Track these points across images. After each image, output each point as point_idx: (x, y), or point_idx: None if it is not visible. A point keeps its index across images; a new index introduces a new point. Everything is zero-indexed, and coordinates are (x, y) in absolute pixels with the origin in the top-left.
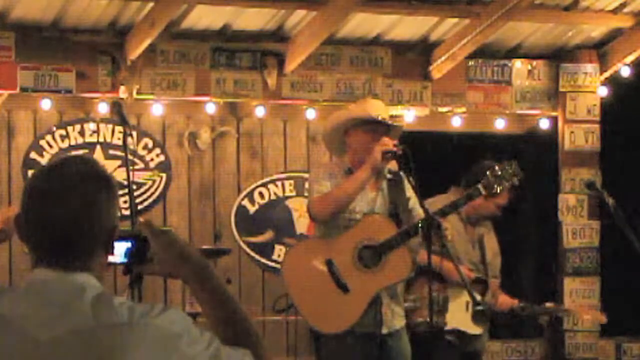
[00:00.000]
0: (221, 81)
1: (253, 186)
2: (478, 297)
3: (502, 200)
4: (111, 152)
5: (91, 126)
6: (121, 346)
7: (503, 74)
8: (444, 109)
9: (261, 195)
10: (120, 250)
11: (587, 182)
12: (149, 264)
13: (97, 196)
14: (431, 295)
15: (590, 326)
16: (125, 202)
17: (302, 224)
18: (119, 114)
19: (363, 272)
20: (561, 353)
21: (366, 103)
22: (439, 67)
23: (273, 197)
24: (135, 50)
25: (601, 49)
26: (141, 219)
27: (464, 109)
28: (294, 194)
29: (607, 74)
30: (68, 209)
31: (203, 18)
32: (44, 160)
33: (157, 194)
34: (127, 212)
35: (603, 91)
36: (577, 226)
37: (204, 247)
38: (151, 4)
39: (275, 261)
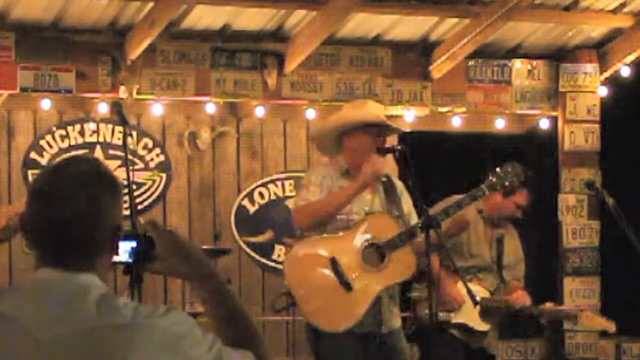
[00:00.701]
0: (221, 81)
1: (253, 186)
2: (486, 294)
3: (521, 200)
4: (111, 152)
5: (91, 126)
6: (125, 346)
7: (503, 74)
8: (444, 109)
9: (261, 195)
10: (125, 249)
11: (587, 182)
12: (154, 263)
13: (102, 196)
14: (431, 291)
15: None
16: (125, 202)
17: None
18: (119, 114)
19: (367, 271)
20: (561, 353)
21: (364, 105)
22: (439, 67)
23: (273, 197)
24: (135, 50)
25: (601, 49)
26: (141, 219)
27: (464, 109)
28: (294, 194)
29: (607, 74)
30: (73, 209)
31: (203, 18)
32: (44, 160)
33: (157, 194)
34: (127, 212)
35: (603, 91)
36: (577, 226)
37: (204, 247)
38: (151, 4)
39: (275, 261)
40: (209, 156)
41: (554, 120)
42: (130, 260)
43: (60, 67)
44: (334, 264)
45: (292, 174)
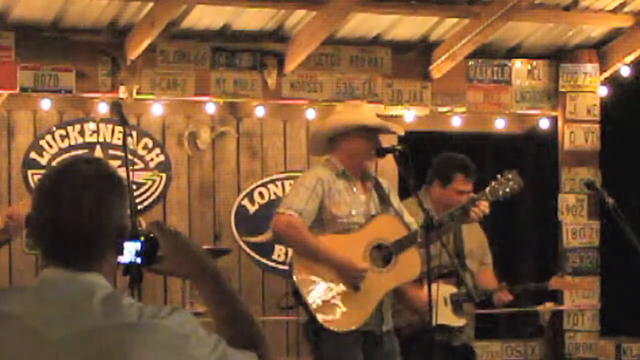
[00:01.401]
0: (221, 81)
1: (253, 186)
2: (454, 289)
3: (460, 186)
4: (111, 152)
5: (91, 126)
6: (130, 346)
7: (503, 74)
8: (444, 109)
9: (261, 195)
10: (129, 250)
11: (587, 182)
12: (158, 264)
13: (108, 197)
14: (430, 297)
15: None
16: None
17: None
18: (118, 114)
19: (374, 272)
20: (561, 353)
21: (360, 108)
22: (439, 67)
23: (273, 197)
24: (135, 50)
25: (601, 49)
26: (141, 219)
27: (464, 109)
28: None
29: (607, 74)
30: (80, 209)
31: (203, 18)
32: (44, 160)
33: (157, 194)
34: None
35: (603, 91)
36: (577, 226)
37: (204, 247)
38: (151, 4)
39: (275, 261)
40: (209, 156)
41: (554, 120)
42: (136, 261)
43: (60, 67)
44: None
45: (292, 174)
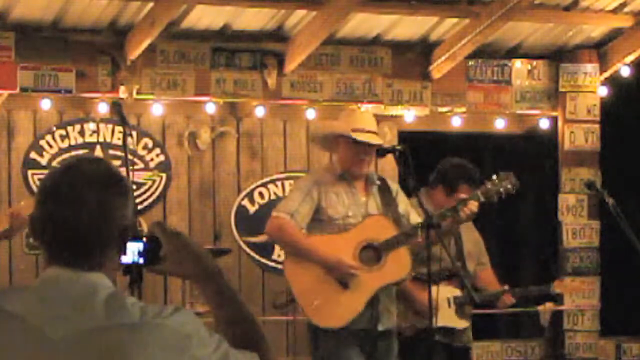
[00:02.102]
0: (221, 81)
1: (253, 186)
2: (457, 292)
3: (465, 195)
4: (111, 152)
5: (91, 126)
6: (133, 346)
7: (503, 74)
8: (444, 109)
9: (261, 195)
10: (132, 250)
11: (587, 182)
12: (161, 264)
13: (111, 196)
14: (430, 298)
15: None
16: None
17: None
18: (118, 114)
19: (363, 271)
20: (561, 353)
21: (351, 116)
22: (439, 67)
23: (273, 197)
24: (135, 50)
25: (601, 49)
26: (141, 219)
27: (464, 109)
28: None
29: (607, 74)
30: (84, 209)
31: (203, 18)
32: (44, 160)
33: (157, 194)
34: None
35: (603, 91)
36: (577, 226)
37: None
38: (151, 4)
39: (275, 261)
40: (209, 156)
41: (554, 120)
42: (138, 261)
43: (60, 67)
44: None
45: (292, 174)
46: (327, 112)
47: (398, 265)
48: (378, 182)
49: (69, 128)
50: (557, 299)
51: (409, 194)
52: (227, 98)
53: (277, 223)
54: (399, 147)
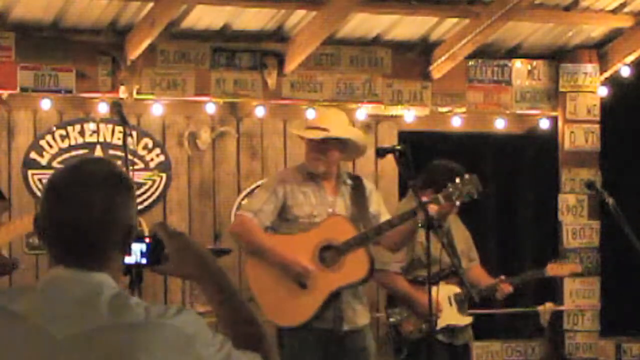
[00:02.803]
0: (221, 81)
1: (253, 186)
2: (457, 289)
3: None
4: (111, 152)
5: (91, 126)
6: (137, 346)
7: (503, 74)
8: (444, 109)
9: None
10: (134, 250)
11: (587, 182)
12: (163, 265)
13: (117, 197)
14: (430, 300)
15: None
16: None
17: None
18: (119, 114)
19: (322, 271)
20: (561, 353)
21: (313, 115)
22: (439, 67)
23: None
24: (135, 50)
25: (601, 49)
26: (141, 220)
27: (464, 109)
28: None
29: (607, 74)
30: (89, 209)
31: (203, 18)
32: (44, 160)
33: (157, 194)
34: None
35: (603, 91)
36: (577, 226)
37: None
38: (151, 4)
39: None
40: (209, 156)
41: (554, 120)
42: (141, 262)
43: (60, 67)
44: None
45: None
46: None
47: (357, 266)
48: (349, 182)
49: (69, 128)
50: (556, 296)
51: (403, 194)
52: (227, 98)
53: (239, 221)
54: (399, 147)
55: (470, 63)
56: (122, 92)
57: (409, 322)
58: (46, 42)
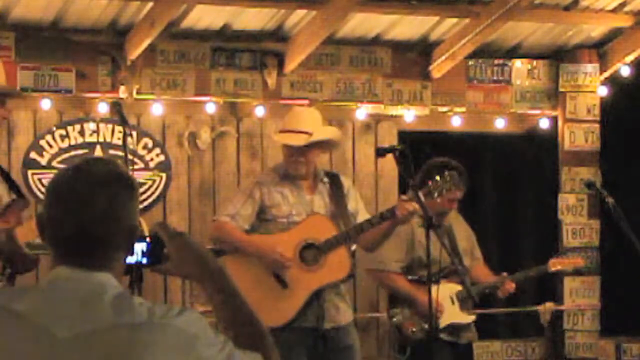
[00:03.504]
0: (221, 81)
1: None
2: (458, 287)
3: (453, 195)
4: (111, 152)
5: (91, 126)
6: (140, 346)
7: (503, 74)
8: (444, 109)
9: None
10: (135, 250)
11: (587, 182)
12: (164, 265)
13: (121, 197)
14: (430, 299)
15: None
16: None
17: None
18: (118, 114)
19: (303, 270)
20: (561, 353)
21: (286, 117)
22: (439, 67)
23: None
24: (135, 50)
25: (601, 49)
26: (141, 220)
27: (464, 109)
28: None
29: (607, 74)
30: (93, 209)
31: (203, 18)
32: (44, 160)
33: (157, 194)
34: None
35: (603, 91)
36: (577, 226)
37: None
38: (151, 4)
39: None
40: (209, 156)
41: (554, 120)
42: (142, 261)
43: (60, 67)
44: None
45: None
46: (327, 112)
47: (338, 265)
48: (327, 180)
49: (69, 128)
50: (556, 296)
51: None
52: (227, 98)
53: (216, 226)
54: (398, 147)
55: (470, 63)
56: (122, 92)
57: (412, 322)
58: (46, 42)
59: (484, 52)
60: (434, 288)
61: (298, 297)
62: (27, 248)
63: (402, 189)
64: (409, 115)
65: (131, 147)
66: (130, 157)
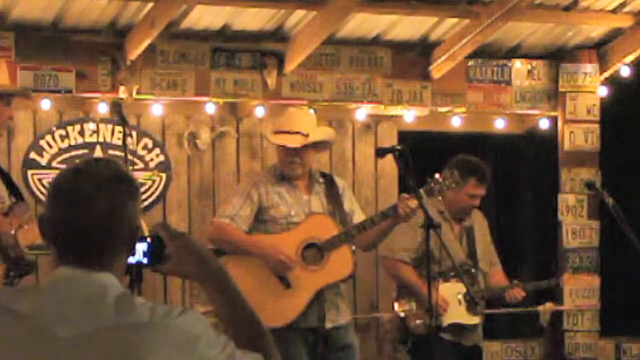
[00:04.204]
0: (221, 81)
1: None
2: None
3: (472, 190)
4: (111, 152)
5: (91, 126)
6: (142, 346)
7: (503, 74)
8: (444, 109)
9: None
10: (136, 250)
11: (587, 182)
12: (165, 265)
13: (122, 197)
14: (430, 296)
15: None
16: None
17: None
18: (118, 114)
19: (305, 269)
20: (561, 353)
21: (281, 118)
22: (439, 67)
23: None
24: (135, 50)
25: (601, 49)
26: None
27: (463, 109)
28: None
29: (607, 74)
30: (94, 209)
31: (203, 18)
32: (44, 160)
33: (156, 194)
34: None
35: (603, 91)
36: (577, 226)
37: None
38: (151, 4)
39: None
40: (209, 156)
41: (554, 120)
42: (143, 261)
43: (60, 67)
44: None
45: None
46: (327, 112)
47: (340, 264)
48: (321, 180)
49: (69, 128)
50: (556, 296)
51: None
52: (227, 98)
53: (216, 227)
54: (398, 147)
55: (470, 63)
56: (122, 92)
57: (416, 315)
58: (46, 42)
59: (484, 53)
60: (441, 285)
61: (301, 297)
62: (29, 250)
63: (402, 189)
64: (409, 115)
65: (131, 147)
66: (130, 157)
